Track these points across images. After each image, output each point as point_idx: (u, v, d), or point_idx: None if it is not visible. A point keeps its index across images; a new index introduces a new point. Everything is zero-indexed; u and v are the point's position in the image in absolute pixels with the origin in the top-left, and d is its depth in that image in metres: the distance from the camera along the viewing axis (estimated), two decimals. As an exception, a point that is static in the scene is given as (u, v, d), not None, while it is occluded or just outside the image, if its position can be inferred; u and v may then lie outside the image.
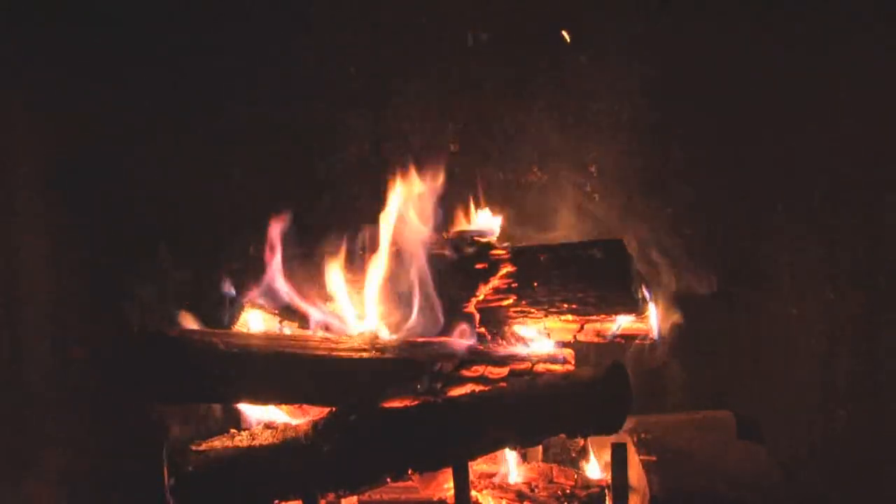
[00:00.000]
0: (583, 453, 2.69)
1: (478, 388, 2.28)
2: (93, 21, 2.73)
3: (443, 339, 2.35)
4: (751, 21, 2.80)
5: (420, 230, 2.44)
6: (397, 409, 2.21)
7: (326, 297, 2.44)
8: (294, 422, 2.27)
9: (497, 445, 2.22)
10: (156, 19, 2.77)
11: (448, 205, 2.55)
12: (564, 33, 2.84)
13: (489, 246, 2.47)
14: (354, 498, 2.30)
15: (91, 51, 2.74)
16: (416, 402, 2.21)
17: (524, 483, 2.46)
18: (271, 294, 2.41)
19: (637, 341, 2.53)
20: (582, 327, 2.49)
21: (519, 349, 2.42)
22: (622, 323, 2.50)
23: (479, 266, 2.42)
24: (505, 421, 2.17)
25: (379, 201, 2.48)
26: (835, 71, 2.60)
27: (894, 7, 2.52)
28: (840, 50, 2.62)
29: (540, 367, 2.35)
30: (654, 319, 2.53)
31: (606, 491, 2.41)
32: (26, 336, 2.61)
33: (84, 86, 2.73)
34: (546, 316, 2.45)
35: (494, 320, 2.48)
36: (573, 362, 2.43)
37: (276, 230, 2.47)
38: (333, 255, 2.45)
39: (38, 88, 2.68)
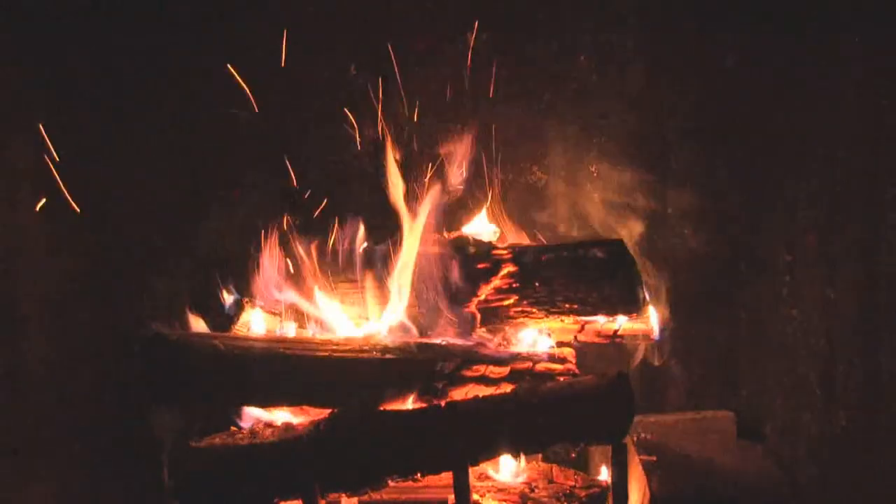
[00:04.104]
0: (583, 453, 2.69)
1: (479, 387, 2.29)
2: (96, 20, 2.74)
3: (444, 339, 2.35)
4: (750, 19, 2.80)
5: (422, 231, 2.44)
6: (398, 411, 2.21)
7: (326, 298, 2.44)
8: (295, 421, 2.27)
9: (499, 451, 2.22)
10: (150, 19, 2.77)
11: (449, 205, 2.55)
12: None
13: (491, 246, 2.48)
14: (355, 498, 2.30)
15: (89, 48, 2.74)
16: (417, 404, 2.21)
17: (524, 483, 2.47)
18: (271, 294, 2.41)
19: (637, 341, 2.53)
20: (583, 327, 2.50)
21: (520, 349, 2.42)
22: (623, 323, 2.50)
23: (480, 266, 2.42)
24: (508, 427, 2.17)
25: (379, 202, 2.48)
26: (838, 64, 2.60)
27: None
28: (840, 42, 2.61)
29: (541, 367, 2.36)
30: (654, 319, 2.53)
31: (607, 491, 2.41)
32: (27, 337, 2.60)
33: (86, 86, 2.73)
34: (547, 316, 2.45)
35: (495, 320, 2.47)
36: (574, 362, 2.43)
37: (276, 230, 2.46)
38: (334, 256, 2.45)
39: (37, 87, 2.67)
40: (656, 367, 2.75)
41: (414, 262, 2.38)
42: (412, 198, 2.50)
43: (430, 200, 2.43)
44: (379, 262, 2.43)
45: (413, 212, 2.45)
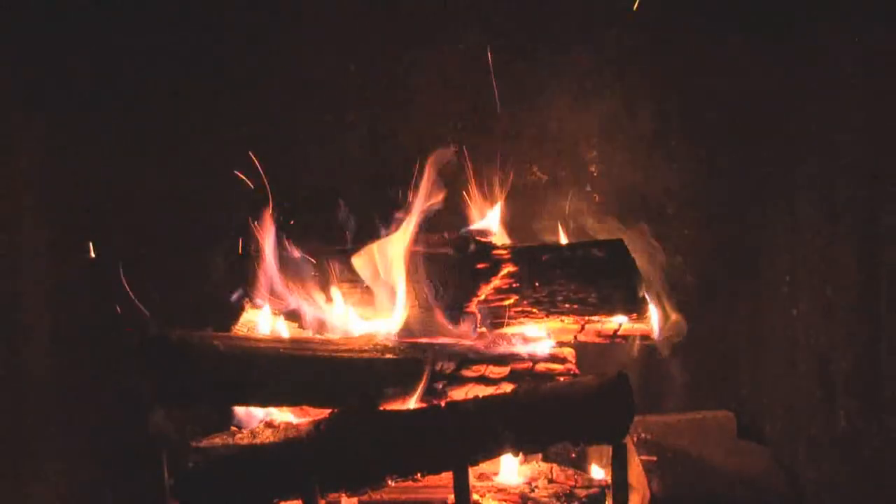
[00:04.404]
0: (582, 453, 2.69)
1: (479, 387, 2.29)
2: (96, 20, 2.74)
3: (444, 339, 2.35)
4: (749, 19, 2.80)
5: (422, 230, 2.44)
6: (398, 411, 2.21)
7: (326, 298, 2.44)
8: (295, 421, 2.27)
9: (499, 451, 2.21)
10: (150, 19, 2.77)
11: (449, 204, 2.55)
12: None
13: (491, 245, 2.47)
14: (355, 498, 2.30)
15: (89, 48, 2.74)
16: (417, 404, 2.21)
17: (524, 483, 2.46)
18: (271, 295, 2.40)
19: (637, 341, 2.53)
20: (583, 327, 2.49)
21: (520, 349, 2.42)
22: (623, 323, 2.50)
23: (480, 266, 2.42)
24: (508, 428, 2.16)
25: (379, 201, 2.48)
26: (838, 64, 2.60)
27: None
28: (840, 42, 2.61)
29: (541, 367, 2.36)
30: (654, 319, 2.53)
31: (606, 491, 2.41)
32: (27, 337, 2.61)
33: (86, 86, 2.73)
34: (547, 316, 2.45)
35: (495, 320, 2.47)
36: (574, 362, 2.43)
37: (275, 230, 2.46)
38: (333, 255, 2.45)
39: (37, 88, 2.68)
40: (656, 367, 2.75)
41: (413, 261, 2.38)
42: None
43: (424, 199, 2.43)
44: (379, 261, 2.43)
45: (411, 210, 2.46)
